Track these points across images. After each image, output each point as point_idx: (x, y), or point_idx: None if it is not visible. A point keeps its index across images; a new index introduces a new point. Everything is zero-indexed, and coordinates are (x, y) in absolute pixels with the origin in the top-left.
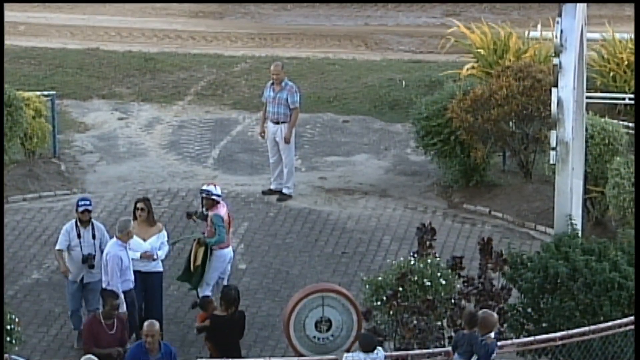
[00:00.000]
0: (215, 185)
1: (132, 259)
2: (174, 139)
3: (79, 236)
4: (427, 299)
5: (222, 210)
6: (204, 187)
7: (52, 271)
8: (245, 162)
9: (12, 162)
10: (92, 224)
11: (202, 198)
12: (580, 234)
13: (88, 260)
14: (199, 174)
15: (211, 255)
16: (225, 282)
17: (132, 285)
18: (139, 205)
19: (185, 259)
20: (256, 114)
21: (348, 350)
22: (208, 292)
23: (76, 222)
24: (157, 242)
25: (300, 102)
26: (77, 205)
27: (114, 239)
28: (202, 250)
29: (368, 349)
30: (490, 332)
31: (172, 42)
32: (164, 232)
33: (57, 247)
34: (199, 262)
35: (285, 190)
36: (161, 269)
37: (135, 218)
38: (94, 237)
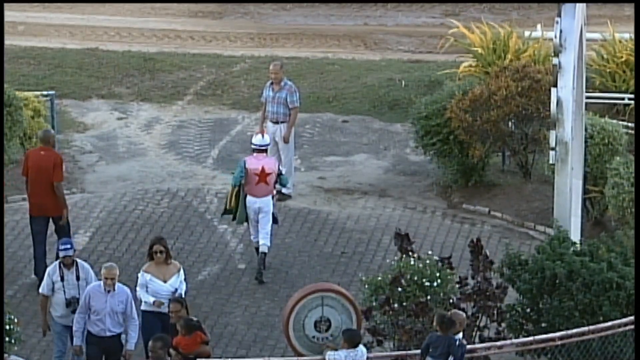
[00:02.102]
0: (257, 134)
1: (145, 302)
2: (174, 139)
3: (62, 279)
4: (420, 302)
5: (251, 158)
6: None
7: None
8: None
9: (11, 162)
10: (77, 264)
11: None
12: (579, 235)
13: (71, 304)
14: (198, 173)
15: (244, 196)
16: (265, 238)
17: (109, 334)
18: (156, 247)
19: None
20: (255, 114)
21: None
22: (254, 240)
23: (59, 264)
24: (177, 282)
25: (299, 102)
26: (58, 249)
27: (100, 281)
28: (235, 190)
29: (351, 344)
30: (459, 332)
31: (171, 42)
32: (182, 270)
33: (40, 291)
34: (233, 201)
35: (284, 190)
36: None
37: (151, 258)
38: (78, 278)
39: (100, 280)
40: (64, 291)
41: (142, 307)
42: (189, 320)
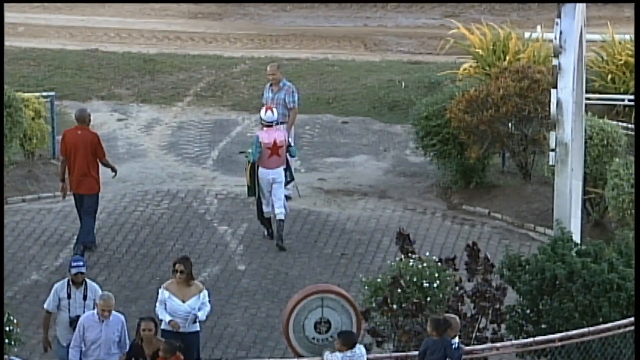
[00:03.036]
0: (265, 110)
1: (162, 320)
2: (173, 140)
3: (68, 296)
4: (418, 303)
5: (263, 133)
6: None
7: (51, 272)
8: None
9: (11, 163)
10: (85, 284)
11: None
12: (579, 236)
13: (75, 324)
14: (198, 175)
15: (258, 170)
16: (281, 207)
17: None
18: (178, 267)
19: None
20: (255, 115)
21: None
22: (266, 210)
23: (68, 281)
24: (197, 303)
25: (298, 103)
26: (70, 267)
27: (94, 311)
28: (249, 166)
29: (348, 345)
30: (455, 336)
31: (171, 43)
32: (205, 292)
33: (45, 307)
34: (249, 177)
35: (285, 192)
36: (198, 329)
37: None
38: (85, 297)
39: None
40: (69, 309)
41: (162, 327)
42: (172, 343)
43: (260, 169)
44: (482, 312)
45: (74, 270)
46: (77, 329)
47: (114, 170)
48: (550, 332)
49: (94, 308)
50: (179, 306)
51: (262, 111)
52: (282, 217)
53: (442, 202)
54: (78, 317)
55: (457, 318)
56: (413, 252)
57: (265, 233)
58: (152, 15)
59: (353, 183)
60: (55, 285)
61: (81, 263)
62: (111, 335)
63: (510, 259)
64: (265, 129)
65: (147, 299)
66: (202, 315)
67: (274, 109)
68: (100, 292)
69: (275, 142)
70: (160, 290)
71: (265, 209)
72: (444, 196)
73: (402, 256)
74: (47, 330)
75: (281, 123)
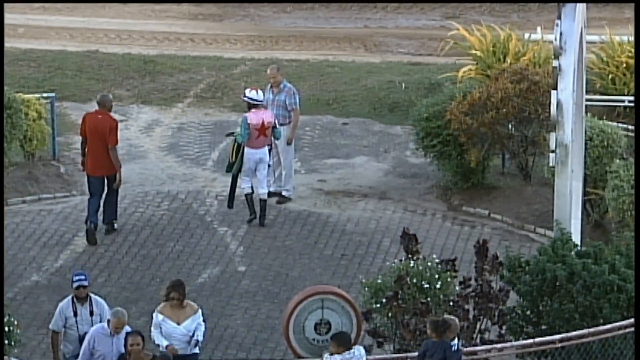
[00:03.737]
0: (251, 90)
1: (159, 345)
2: (174, 141)
3: (75, 314)
4: (426, 301)
5: (251, 114)
6: (245, 90)
7: (51, 273)
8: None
9: (11, 164)
10: (90, 299)
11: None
12: (579, 237)
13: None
14: (198, 176)
15: (243, 150)
16: (264, 187)
17: None
18: (173, 295)
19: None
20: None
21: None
22: (245, 185)
23: (72, 298)
24: (193, 325)
25: (299, 104)
26: (72, 281)
27: (104, 322)
28: (235, 146)
29: (345, 346)
30: (454, 337)
31: (171, 44)
32: (199, 312)
33: (51, 327)
34: (233, 156)
35: (284, 193)
36: (197, 351)
37: (167, 299)
38: (92, 313)
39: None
40: (77, 327)
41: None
42: (166, 355)
43: (247, 149)
44: (484, 314)
45: (75, 284)
46: (85, 342)
47: (118, 173)
48: (551, 334)
49: (101, 322)
50: (174, 329)
51: (247, 90)
52: (265, 197)
53: (442, 203)
54: (87, 333)
55: (457, 320)
56: (417, 252)
57: (250, 216)
58: (152, 17)
59: (353, 184)
60: (60, 305)
61: (83, 277)
62: (122, 349)
63: (511, 260)
64: (253, 110)
65: (147, 300)
66: (200, 336)
67: (259, 89)
68: (105, 306)
69: (263, 123)
70: (154, 314)
71: (244, 184)
72: (444, 197)
73: (407, 256)
74: (57, 350)
75: (281, 125)
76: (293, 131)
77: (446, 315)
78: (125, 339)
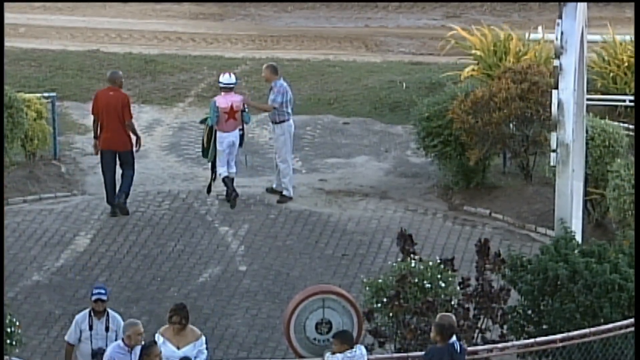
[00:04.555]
0: (224, 73)
1: None
2: (175, 141)
3: (90, 328)
4: (427, 300)
5: (220, 98)
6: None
7: (52, 273)
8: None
9: (12, 163)
10: (107, 314)
11: None
12: (580, 237)
13: (97, 356)
14: (199, 175)
15: (215, 135)
16: (233, 167)
17: None
18: (174, 319)
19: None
20: (256, 116)
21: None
22: (221, 169)
23: (90, 312)
24: (194, 351)
25: (289, 104)
26: (91, 294)
27: (119, 341)
28: (207, 130)
29: (349, 344)
30: (453, 334)
31: (172, 44)
32: (202, 339)
33: (66, 339)
34: (206, 140)
35: (285, 192)
36: None
37: (169, 321)
38: (107, 329)
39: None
40: (91, 341)
41: None
42: None
43: (219, 133)
44: (485, 313)
45: (94, 297)
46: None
47: (138, 141)
48: (552, 333)
49: (116, 339)
50: (172, 352)
51: (221, 75)
52: (234, 175)
53: (443, 202)
54: (100, 349)
55: (453, 317)
56: (414, 253)
57: (230, 196)
58: (153, 16)
59: (354, 184)
60: (76, 317)
61: (103, 290)
62: (104, 332)
63: (513, 259)
64: (222, 93)
65: (147, 300)
66: None
67: (232, 73)
68: (122, 322)
69: (232, 107)
70: (156, 335)
71: (220, 169)
72: (445, 197)
73: (404, 257)
74: None
75: (274, 123)
76: (256, 105)
77: (441, 314)
78: (141, 353)
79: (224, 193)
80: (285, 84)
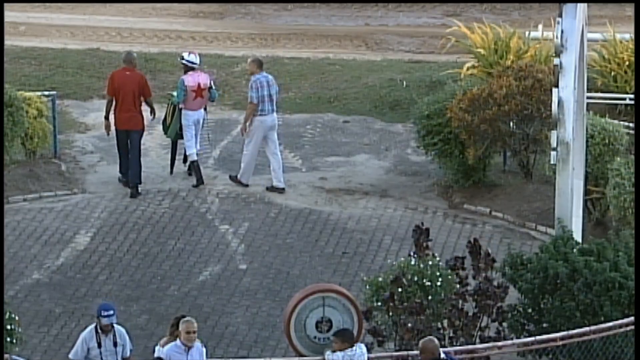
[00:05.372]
0: (190, 53)
1: None
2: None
3: (99, 345)
4: (420, 301)
5: (188, 77)
6: (182, 52)
7: (52, 271)
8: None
9: (12, 162)
10: (114, 329)
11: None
12: (580, 235)
13: None
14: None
15: (179, 113)
16: (198, 145)
17: None
18: (177, 332)
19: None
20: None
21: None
22: (192, 151)
23: (96, 328)
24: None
25: (267, 99)
26: (100, 315)
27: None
28: (171, 108)
29: (349, 343)
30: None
31: (172, 42)
32: (204, 352)
33: (71, 357)
34: (169, 117)
35: (275, 183)
36: None
37: (171, 333)
38: (115, 344)
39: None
40: (101, 358)
41: None
42: None
43: (185, 112)
44: (484, 311)
45: (105, 321)
46: (78, 340)
47: (153, 111)
48: (552, 331)
49: (123, 353)
50: None
51: (186, 54)
52: (194, 157)
53: (444, 201)
54: None
55: (436, 341)
56: (427, 248)
57: (197, 182)
58: (153, 15)
59: (354, 182)
60: (83, 335)
61: (112, 312)
62: (112, 348)
63: (513, 257)
64: (189, 72)
65: (148, 298)
66: None
67: (197, 54)
68: (127, 336)
69: (199, 85)
70: (156, 348)
71: (189, 151)
72: (445, 195)
73: (416, 251)
74: None
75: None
76: (244, 122)
77: (424, 340)
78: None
79: (225, 192)
80: (263, 79)
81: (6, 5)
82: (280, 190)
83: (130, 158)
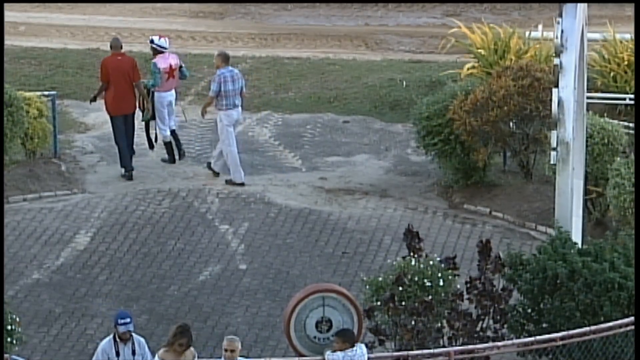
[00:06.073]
0: (161, 37)
1: None
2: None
3: (117, 354)
4: (423, 300)
5: (159, 59)
6: (151, 37)
7: (52, 271)
8: (245, 162)
9: (12, 162)
10: (132, 338)
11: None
12: (580, 235)
13: None
14: (199, 174)
15: (153, 96)
16: (172, 124)
17: None
18: (182, 341)
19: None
20: (257, 114)
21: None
22: (166, 133)
23: (114, 337)
24: None
25: (230, 93)
26: (117, 323)
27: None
28: (145, 92)
29: (350, 343)
30: None
31: (172, 42)
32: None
33: None
34: (147, 101)
35: (213, 165)
36: None
37: (170, 344)
38: (134, 353)
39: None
40: None
41: None
42: None
43: (159, 94)
44: (485, 312)
45: (122, 329)
46: (97, 352)
47: (143, 97)
48: (552, 331)
49: None
50: None
51: (156, 38)
52: (168, 139)
53: (443, 201)
54: None
55: None
56: (420, 250)
57: (167, 159)
58: (153, 15)
59: (354, 182)
60: (102, 345)
61: (128, 320)
62: (130, 356)
63: (512, 258)
64: (159, 55)
65: (148, 298)
66: None
67: (167, 38)
68: (146, 346)
69: (171, 66)
70: (156, 358)
71: (164, 133)
72: (445, 195)
73: (410, 253)
74: None
75: (218, 110)
76: (203, 108)
77: None
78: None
79: (225, 192)
80: (227, 74)
81: (6, 5)
82: (216, 174)
83: (123, 145)
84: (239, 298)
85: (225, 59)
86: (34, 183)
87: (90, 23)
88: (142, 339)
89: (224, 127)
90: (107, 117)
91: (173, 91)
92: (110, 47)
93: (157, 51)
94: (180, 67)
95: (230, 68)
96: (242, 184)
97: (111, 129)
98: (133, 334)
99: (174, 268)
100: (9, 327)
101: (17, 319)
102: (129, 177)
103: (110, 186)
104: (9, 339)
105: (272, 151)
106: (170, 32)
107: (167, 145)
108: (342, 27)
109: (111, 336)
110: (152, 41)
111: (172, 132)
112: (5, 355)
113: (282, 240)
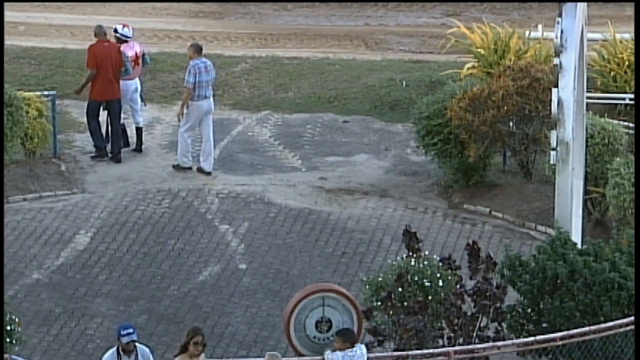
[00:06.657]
0: (124, 27)
1: None
2: (175, 139)
3: None
4: (421, 300)
5: (126, 48)
6: (115, 26)
7: (52, 271)
8: (245, 162)
9: (12, 162)
10: (136, 349)
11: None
12: (580, 235)
13: None
14: (199, 174)
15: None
16: (140, 120)
17: None
18: (196, 338)
19: None
20: (257, 114)
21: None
22: (140, 120)
23: (118, 349)
24: None
25: (203, 84)
26: (120, 335)
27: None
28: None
29: (350, 342)
30: None
31: (172, 42)
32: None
33: None
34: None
35: (203, 166)
36: None
37: (185, 349)
38: None
39: None
40: None
41: None
42: None
43: (125, 82)
44: (482, 311)
45: (125, 339)
46: None
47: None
48: (552, 331)
49: None
50: None
51: (120, 27)
52: (141, 125)
53: (443, 201)
54: None
55: None
56: (419, 250)
57: (123, 146)
58: (152, 14)
59: (354, 182)
60: (105, 356)
61: (131, 330)
62: None
63: (511, 259)
64: (124, 44)
65: (147, 298)
66: None
67: (130, 27)
68: (151, 356)
69: (136, 54)
70: None
71: (137, 119)
72: (445, 195)
73: (409, 254)
74: None
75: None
76: (180, 108)
77: None
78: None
79: (225, 192)
80: (201, 65)
81: (6, 5)
82: (207, 173)
83: (114, 126)
84: (238, 298)
85: (198, 49)
86: (33, 183)
87: (90, 23)
88: (147, 349)
89: (190, 116)
90: (106, 116)
91: (137, 79)
92: (95, 34)
93: (122, 40)
94: (143, 54)
95: (203, 59)
96: (190, 168)
97: (108, 130)
98: (137, 344)
99: (173, 268)
100: (9, 327)
101: (17, 319)
102: (118, 160)
103: (110, 186)
104: (8, 339)
105: (272, 151)
106: (169, 32)
107: (138, 130)
108: (342, 27)
109: (114, 349)
110: (115, 30)
111: (139, 129)
112: (5, 355)
113: (282, 240)
